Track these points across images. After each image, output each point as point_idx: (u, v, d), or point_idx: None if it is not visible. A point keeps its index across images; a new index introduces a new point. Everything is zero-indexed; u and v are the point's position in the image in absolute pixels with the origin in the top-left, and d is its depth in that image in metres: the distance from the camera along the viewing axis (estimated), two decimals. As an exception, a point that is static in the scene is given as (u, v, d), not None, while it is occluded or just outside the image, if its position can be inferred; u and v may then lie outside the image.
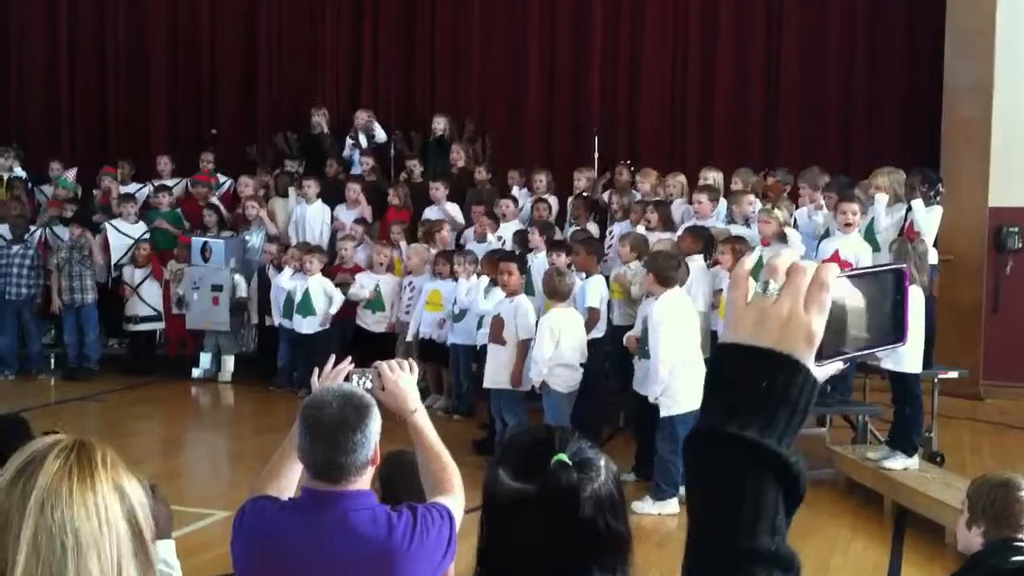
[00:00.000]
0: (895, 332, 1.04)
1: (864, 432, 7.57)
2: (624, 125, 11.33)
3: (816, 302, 0.98)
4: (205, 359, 10.52)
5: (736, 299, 1.02)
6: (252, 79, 12.61)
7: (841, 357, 1.01)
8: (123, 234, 10.86)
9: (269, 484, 2.65)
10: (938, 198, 7.51)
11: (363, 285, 9.69)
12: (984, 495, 3.24)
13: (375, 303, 9.67)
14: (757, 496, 0.96)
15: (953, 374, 7.69)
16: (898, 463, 6.71)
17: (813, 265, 1.00)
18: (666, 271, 6.70)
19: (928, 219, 7.45)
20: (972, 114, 9.40)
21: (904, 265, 1.06)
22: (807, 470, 0.98)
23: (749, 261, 1.11)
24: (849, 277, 1.01)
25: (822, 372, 0.99)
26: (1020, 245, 9.42)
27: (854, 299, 1.01)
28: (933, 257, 7.47)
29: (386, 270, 9.75)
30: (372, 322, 9.72)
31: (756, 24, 10.84)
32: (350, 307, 9.76)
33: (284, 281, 9.78)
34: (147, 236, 10.87)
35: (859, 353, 1.04)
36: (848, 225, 7.46)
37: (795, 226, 8.13)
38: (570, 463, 1.60)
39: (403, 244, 9.92)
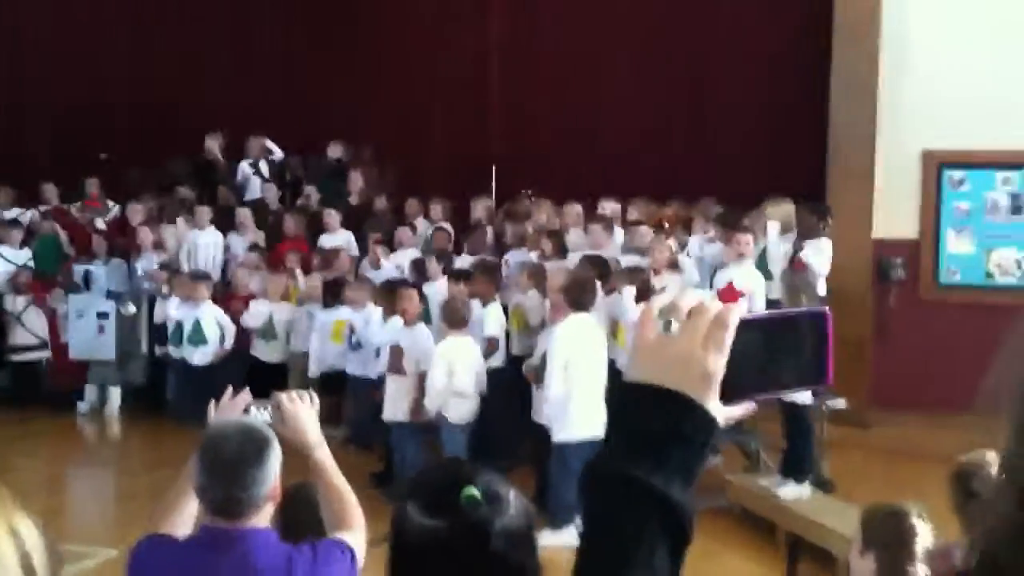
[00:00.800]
0: (816, 373, 1.04)
1: (757, 461, 7.69)
2: (522, 154, 11.40)
3: (715, 342, 0.97)
4: (91, 391, 10.18)
5: (641, 337, 1.02)
6: (145, 103, 12.35)
7: (750, 397, 1.02)
8: (7, 260, 10.49)
9: (165, 521, 2.56)
10: (827, 230, 7.72)
11: (255, 314, 9.51)
12: (876, 524, 3.30)
13: (268, 333, 9.51)
14: (638, 535, 0.96)
15: (842, 403, 7.88)
16: (790, 492, 6.84)
17: (716, 305, 1.00)
18: (581, 293, 6.73)
19: (820, 251, 7.65)
20: (856, 149, 9.69)
21: (826, 309, 1.06)
22: (700, 499, 0.98)
23: (658, 300, 1.08)
24: (763, 318, 1.02)
25: (728, 412, 0.99)
26: (903, 276, 9.72)
27: (767, 340, 1.01)
28: (822, 288, 7.67)
29: (280, 298, 9.60)
30: (266, 352, 9.55)
31: (652, 62, 11.03)
32: (245, 337, 9.58)
33: (173, 310, 9.55)
34: (30, 263, 10.52)
35: (773, 393, 1.04)
36: (742, 255, 7.61)
37: (688, 255, 8.26)
38: (480, 497, 1.58)
39: (298, 272, 9.79)
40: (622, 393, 1.01)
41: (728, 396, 0.98)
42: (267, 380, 7.90)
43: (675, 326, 1.00)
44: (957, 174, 9.67)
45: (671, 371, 0.98)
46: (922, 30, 9.57)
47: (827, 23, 9.88)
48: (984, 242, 9.63)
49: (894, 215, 9.71)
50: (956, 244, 9.71)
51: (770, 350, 1.01)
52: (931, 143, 9.61)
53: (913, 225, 9.79)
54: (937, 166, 9.68)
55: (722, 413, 0.98)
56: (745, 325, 0.99)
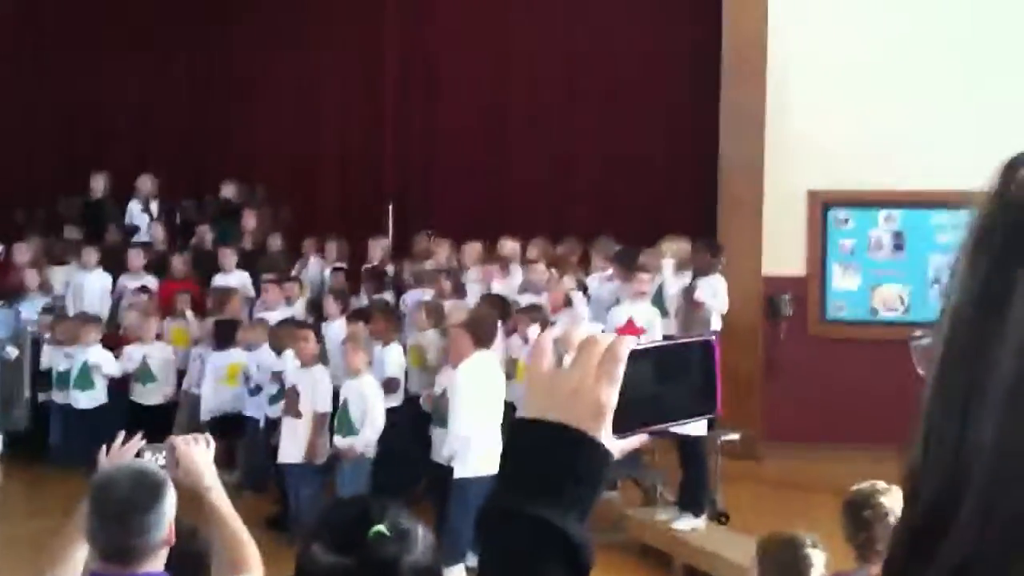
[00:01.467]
0: (706, 403, 1.04)
1: (655, 495, 7.77)
2: (419, 194, 11.41)
3: (607, 375, 0.97)
4: (-29, 438, 9.79)
5: (534, 371, 1.01)
6: (31, 142, 12.02)
7: (644, 429, 1.01)
8: None
9: (52, 568, 2.48)
10: (719, 266, 7.89)
11: (131, 356, 9.26)
12: (771, 554, 3.37)
13: (146, 375, 9.24)
14: (536, 571, 0.94)
15: (735, 436, 8.02)
16: (687, 524, 6.93)
17: (608, 338, 0.99)
18: (483, 330, 6.74)
19: (715, 288, 7.81)
20: (744, 188, 9.93)
21: (711, 337, 1.07)
22: (598, 534, 0.98)
23: (551, 334, 1.06)
24: (651, 348, 1.02)
25: (621, 445, 0.99)
26: (792, 311, 9.97)
27: (657, 370, 1.01)
28: (717, 324, 7.82)
29: (168, 340, 9.37)
30: (144, 394, 9.28)
31: (545, 100, 11.16)
32: (124, 381, 9.31)
33: (59, 353, 9.25)
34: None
35: (664, 425, 1.04)
36: (642, 293, 7.74)
37: (586, 293, 8.35)
38: (389, 534, 1.57)
39: (189, 314, 9.59)
40: (515, 428, 1.00)
41: (621, 429, 0.98)
42: (149, 423, 7.72)
43: (567, 359, 0.99)
44: (842, 212, 9.99)
45: (564, 405, 0.97)
46: (804, 71, 9.89)
47: (716, 62, 10.15)
48: (869, 278, 9.95)
49: (782, 252, 9.97)
50: (842, 280, 10.02)
51: (660, 381, 1.01)
52: (816, 182, 9.92)
53: (801, 262, 10.07)
54: (822, 205, 9.99)
55: (615, 446, 0.98)
56: (636, 356, 0.99)
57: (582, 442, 0.96)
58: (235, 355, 8.73)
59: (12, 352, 9.65)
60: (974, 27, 9.56)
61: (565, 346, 1.00)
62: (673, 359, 1.03)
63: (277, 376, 7.96)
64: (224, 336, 8.90)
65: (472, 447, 6.48)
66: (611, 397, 0.96)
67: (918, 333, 0.84)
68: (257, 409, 8.35)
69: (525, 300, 8.28)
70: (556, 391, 0.98)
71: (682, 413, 1.04)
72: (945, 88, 9.60)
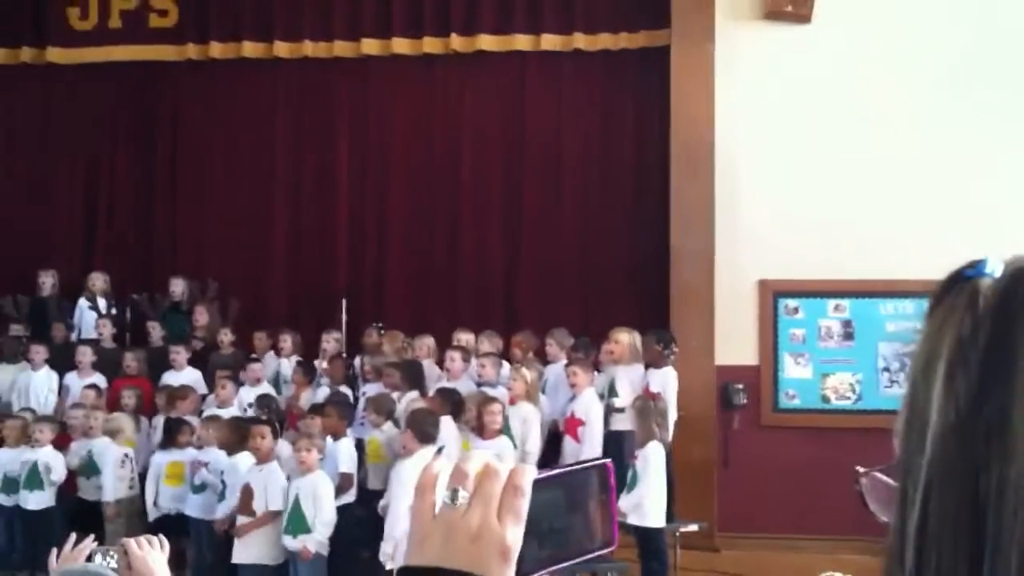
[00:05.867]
0: (604, 533, 0.96)
1: (615, 589, 7.69)
2: (371, 287, 11.40)
3: (511, 511, 0.86)
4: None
5: (422, 511, 0.89)
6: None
7: (548, 569, 0.91)
8: None
9: None
10: (672, 358, 7.95)
11: (75, 452, 9.06)
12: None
13: (90, 469, 9.02)
14: None
15: (693, 527, 8.00)
16: (648, 618, 6.85)
17: (507, 468, 0.90)
18: (424, 427, 6.70)
19: (668, 379, 7.86)
20: (695, 278, 10.05)
21: (607, 460, 0.99)
22: None
23: (437, 465, 0.93)
24: (550, 477, 0.93)
25: None
26: (745, 401, 10.03)
27: (557, 501, 0.93)
28: (673, 414, 7.85)
29: (110, 438, 9.16)
30: (90, 489, 9.06)
31: (496, 194, 11.27)
32: (71, 480, 9.08)
33: (5, 454, 9.03)
34: None
35: (568, 563, 0.94)
36: (575, 386, 7.82)
37: (545, 384, 8.38)
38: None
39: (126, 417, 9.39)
40: None
41: (523, 571, 0.88)
42: (94, 519, 7.55)
43: (461, 495, 0.88)
44: (792, 302, 10.13)
45: (464, 550, 0.85)
46: (752, 163, 10.11)
47: (666, 155, 10.35)
48: (820, 367, 10.06)
49: (734, 342, 10.06)
50: (794, 370, 10.11)
51: (563, 512, 0.93)
52: (766, 273, 10.07)
53: (753, 351, 10.16)
54: (772, 295, 10.13)
55: None
56: (537, 486, 0.89)
57: None
58: (180, 454, 8.59)
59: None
60: (919, 121, 9.85)
61: (460, 480, 0.89)
62: (574, 487, 0.94)
63: (232, 475, 7.84)
64: (168, 435, 8.76)
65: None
66: (518, 537, 0.86)
67: (861, 469, 0.82)
68: (200, 509, 8.19)
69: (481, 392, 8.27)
70: (454, 534, 0.86)
71: (585, 547, 0.94)
72: (891, 180, 9.85)
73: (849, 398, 9.98)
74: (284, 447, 7.94)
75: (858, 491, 0.83)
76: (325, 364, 9.68)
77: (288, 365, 9.96)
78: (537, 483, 0.89)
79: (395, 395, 8.53)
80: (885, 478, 0.81)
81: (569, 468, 0.96)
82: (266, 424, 7.72)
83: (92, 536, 2.63)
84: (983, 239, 9.04)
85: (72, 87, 11.88)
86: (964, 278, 0.77)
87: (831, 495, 9.16)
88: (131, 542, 2.55)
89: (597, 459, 0.99)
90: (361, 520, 7.99)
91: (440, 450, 6.92)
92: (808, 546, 9.10)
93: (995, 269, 0.77)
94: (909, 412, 0.76)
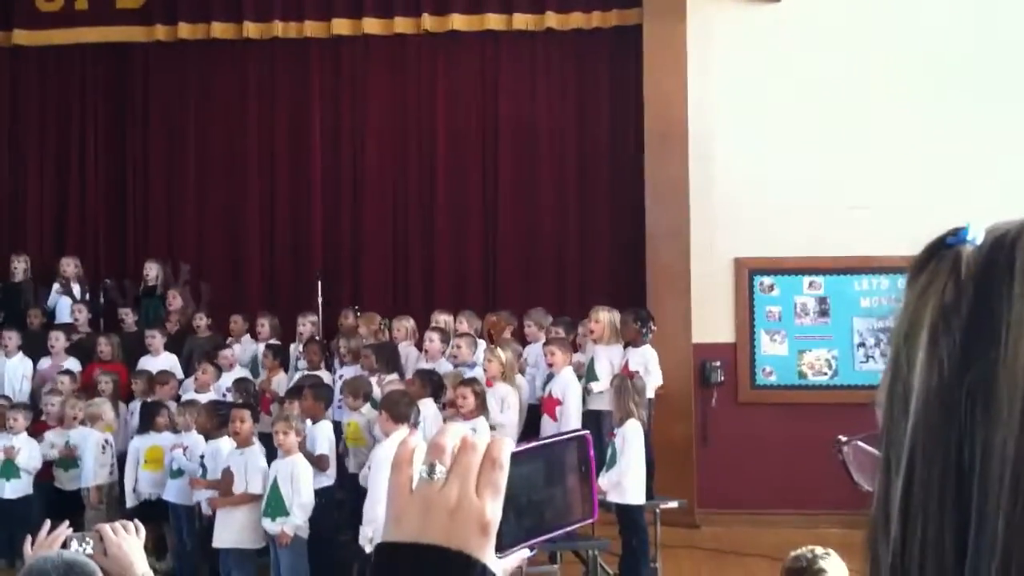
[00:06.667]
0: (584, 506, 0.95)
1: (595, 566, 7.71)
2: (347, 269, 11.36)
3: (489, 484, 0.86)
4: None
5: (399, 487, 0.88)
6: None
7: (527, 543, 0.91)
8: None
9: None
10: (650, 336, 7.97)
11: (53, 443, 8.99)
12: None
13: (67, 461, 8.96)
14: None
15: (673, 504, 8.03)
16: (628, 595, 6.88)
17: (484, 441, 0.89)
18: (398, 407, 6.70)
19: (648, 357, 7.89)
20: (672, 257, 10.08)
21: (586, 431, 0.98)
22: None
23: (413, 440, 0.92)
24: (528, 449, 0.92)
25: (505, 564, 0.88)
26: (722, 379, 10.08)
27: (535, 474, 0.92)
28: (651, 391, 7.88)
29: (90, 424, 9.11)
30: (67, 480, 8.99)
31: (472, 175, 11.23)
32: (46, 468, 9.02)
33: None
34: None
35: (547, 536, 0.93)
36: (552, 365, 7.84)
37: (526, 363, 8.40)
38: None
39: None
40: (383, 555, 0.87)
41: (504, 545, 0.87)
42: (71, 509, 7.50)
43: (439, 470, 0.88)
44: (767, 280, 10.18)
45: (442, 525, 0.85)
46: (726, 141, 10.14)
47: (640, 134, 10.35)
48: (796, 343, 10.11)
49: (711, 320, 10.10)
50: (770, 347, 10.16)
51: (541, 485, 0.92)
52: (741, 250, 10.11)
53: (729, 329, 10.21)
54: (748, 272, 10.17)
55: (499, 566, 0.86)
56: (515, 459, 0.88)
57: (470, 567, 0.84)
58: (158, 439, 8.55)
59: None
60: (891, 97, 9.90)
61: (437, 454, 0.88)
62: (552, 460, 0.93)
63: (215, 459, 7.81)
64: (146, 420, 8.71)
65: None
66: (496, 511, 0.86)
67: (843, 438, 0.82)
68: (179, 493, 8.16)
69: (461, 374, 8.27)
70: (431, 508, 0.86)
71: (564, 519, 0.93)
72: (865, 157, 9.89)
73: (826, 374, 10.04)
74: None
75: (840, 460, 0.82)
76: (301, 347, 9.64)
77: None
78: (515, 456, 0.88)
79: (372, 378, 8.51)
80: (868, 447, 0.80)
81: (547, 440, 0.95)
82: (245, 408, 7.69)
83: (67, 523, 2.60)
84: (957, 214, 9.08)
85: (40, 70, 11.75)
86: (946, 245, 0.76)
87: (809, 470, 9.23)
88: (106, 528, 2.54)
89: (575, 431, 0.97)
90: (341, 503, 7.99)
91: (416, 425, 6.92)
92: (787, 521, 9.17)
93: (977, 236, 0.76)
94: (892, 381, 0.75)
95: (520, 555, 0.90)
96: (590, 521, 0.94)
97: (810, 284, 10.11)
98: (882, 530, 0.73)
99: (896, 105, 9.87)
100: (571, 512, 0.94)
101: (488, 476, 0.86)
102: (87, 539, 2.53)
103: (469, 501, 0.85)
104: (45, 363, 9.97)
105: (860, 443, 0.81)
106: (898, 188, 9.78)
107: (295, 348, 9.81)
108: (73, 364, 9.91)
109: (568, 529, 0.94)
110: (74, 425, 8.96)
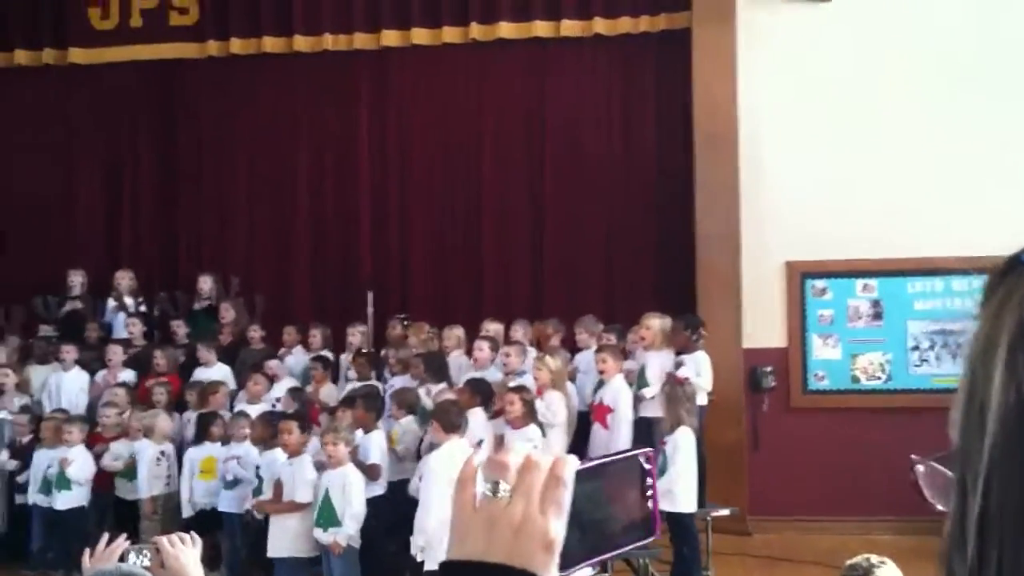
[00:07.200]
0: (644, 525, 0.96)
1: (645, 574, 7.68)
2: (395, 279, 11.41)
3: (553, 502, 0.86)
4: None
5: (463, 505, 0.89)
6: (4, 242, 11.98)
7: (589, 561, 0.91)
8: None
9: None
10: (701, 342, 7.92)
11: (118, 455, 9.12)
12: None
13: (130, 472, 9.08)
14: None
15: (725, 512, 7.97)
16: (681, 604, 6.84)
17: (549, 459, 0.89)
18: (449, 416, 6.71)
19: (701, 363, 7.84)
20: (722, 262, 10.00)
21: (648, 449, 0.99)
22: None
23: (477, 458, 0.94)
24: (590, 468, 0.93)
25: None
26: (774, 384, 9.98)
27: (597, 492, 0.92)
28: (702, 398, 7.83)
29: (149, 434, 9.24)
30: (129, 491, 9.12)
31: (518, 183, 11.23)
32: (107, 479, 9.16)
33: (42, 454, 9.11)
34: None
35: (609, 555, 0.94)
36: (604, 372, 7.79)
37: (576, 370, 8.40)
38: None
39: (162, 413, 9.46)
40: (448, 573, 0.88)
41: (567, 564, 0.87)
42: (132, 520, 7.60)
43: (503, 487, 0.87)
44: (819, 283, 10.07)
45: (506, 543, 0.85)
46: (776, 143, 10.04)
47: (689, 138, 10.28)
48: (849, 347, 9.99)
49: (762, 324, 10.01)
50: (822, 351, 10.05)
51: (604, 503, 0.93)
52: (792, 254, 10.01)
53: (781, 334, 10.11)
54: (800, 276, 10.06)
55: None
56: (579, 478, 0.88)
57: None
58: (212, 449, 8.64)
59: (10, 464, 9.49)
60: (947, 98, 9.75)
61: (500, 472, 0.88)
62: (614, 478, 0.94)
63: (256, 469, 7.89)
64: (201, 430, 8.82)
65: (444, 541, 6.35)
66: (561, 529, 0.85)
67: (916, 458, 0.81)
68: (233, 503, 8.24)
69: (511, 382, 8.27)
70: (496, 527, 0.86)
71: (625, 537, 0.94)
72: (917, 157, 9.76)
73: (879, 378, 9.91)
74: (316, 442, 7.98)
75: (913, 480, 0.81)
76: (351, 358, 9.70)
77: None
78: (578, 474, 0.88)
79: (421, 388, 8.55)
80: (941, 467, 0.80)
81: (609, 458, 0.96)
82: (293, 418, 7.76)
83: (125, 535, 2.63)
84: (1011, 216, 8.94)
85: (94, 87, 11.94)
86: (1020, 263, 0.75)
87: (863, 476, 9.15)
88: (163, 540, 2.57)
89: (637, 449, 0.98)
90: (390, 511, 8.02)
91: (480, 443, 6.93)
92: (840, 527, 9.07)
93: None
94: (967, 400, 0.74)
95: (583, 574, 0.90)
96: (650, 539, 0.95)
97: (863, 287, 9.98)
98: (958, 548, 0.72)
99: (952, 104, 9.72)
100: (632, 530, 0.94)
101: (552, 494, 0.86)
102: (144, 551, 2.56)
103: (533, 519, 0.85)
104: (102, 375, 10.11)
105: (934, 463, 0.80)
106: (954, 189, 9.64)
107: (345, 359, 9.87)
108: (128, 375, 10.05)
109: (629, 548, 0.93)
110: (138, 436, 9.08)
